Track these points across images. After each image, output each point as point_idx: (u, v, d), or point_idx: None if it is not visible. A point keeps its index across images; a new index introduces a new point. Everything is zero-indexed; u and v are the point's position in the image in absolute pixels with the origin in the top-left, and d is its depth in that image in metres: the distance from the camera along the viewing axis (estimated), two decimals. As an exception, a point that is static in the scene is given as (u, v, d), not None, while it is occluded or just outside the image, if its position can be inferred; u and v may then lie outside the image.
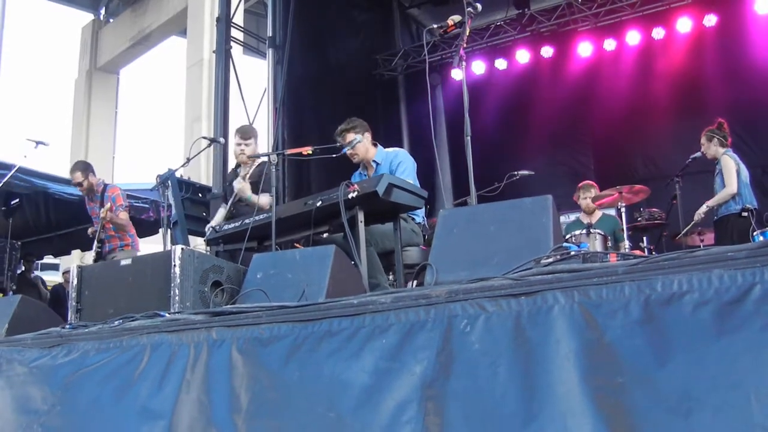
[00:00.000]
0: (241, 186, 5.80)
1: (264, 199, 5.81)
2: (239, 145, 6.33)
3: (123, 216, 7.43)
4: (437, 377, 2.23)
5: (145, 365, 3.12)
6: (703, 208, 7.09)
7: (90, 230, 7.71)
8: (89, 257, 7.77)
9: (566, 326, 2.09)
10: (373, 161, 5.53)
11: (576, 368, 2.00)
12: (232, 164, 6.93)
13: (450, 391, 2.19)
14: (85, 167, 7.63)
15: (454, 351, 2.25)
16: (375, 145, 5.61)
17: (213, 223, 6.28)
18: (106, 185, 7.64)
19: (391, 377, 2.32)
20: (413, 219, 5.38)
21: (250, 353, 2.77)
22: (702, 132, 7.35)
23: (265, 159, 5.76)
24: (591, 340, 2.03)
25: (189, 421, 2.78)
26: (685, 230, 7.42)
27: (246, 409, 2.64)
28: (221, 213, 6.39)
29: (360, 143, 5.42)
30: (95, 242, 7.44)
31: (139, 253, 7.58)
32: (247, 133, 6.51)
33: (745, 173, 6.97)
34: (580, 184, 8.05)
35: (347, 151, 5.39)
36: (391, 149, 5.63)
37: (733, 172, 6.87)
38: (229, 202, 5.97)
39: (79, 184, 7.55)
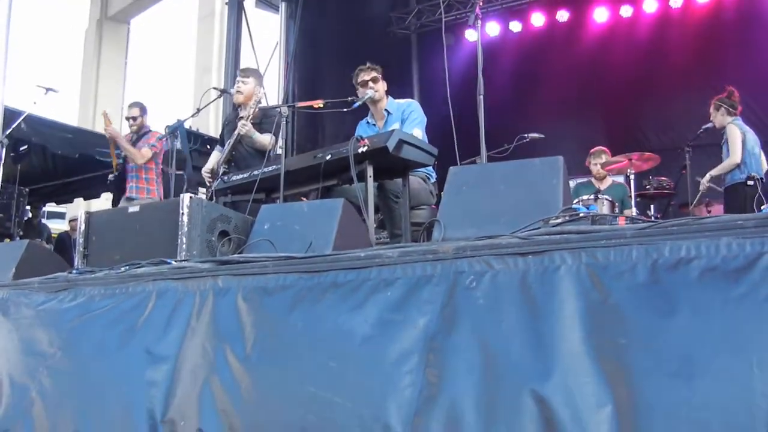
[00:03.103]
0: (247, 128, 5.73)
1: (266, 138, 5.79)
2: (237, 83, 6.27)
3: (144, 152, 7.43)
4: (440, 330, 2.24)
5: (150, 311, 3.14)
6: (707, 177, 7.08)
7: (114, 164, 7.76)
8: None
9: (572, 286, 2.09)
10: (385, 110, 5.55)
11: (580, 328, 2.01)
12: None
13: (452, 344, 2.20)
14: (142, 107, 7.85)
15: (459, 306, 2.25)
16: (387, 93, 5.64)
17: (208, 165, 6.29)
18: (149, 130, 7.72)
19: (394, 329, 2.33)
20: (429, 179, 5.40)
21: (255, 302, 2.79)
22: (712, 101, 7.32)
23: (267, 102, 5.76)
24: (596, 300, 2.04)
25: (192, 367, 2.80)
26: (695, 201, 7.41)
27: (249, 356, 2.66)
28: (215, 155, 6.38)
29: (379, 81, 5.57)
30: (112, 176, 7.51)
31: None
32: (246, 71, 6.46)
33: (752, 142, 6.92)
34: (592, 150, 8.02)
35: (369, 85, 5.48)
36: (403, 100, 5.64)
37: (737, 142, 6.84)
38: (229, 144, 5.91)
39: (133, 119, 7.73)
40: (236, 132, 5.76)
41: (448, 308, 2.27)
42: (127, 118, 7.78)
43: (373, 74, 5.50)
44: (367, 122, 5.70)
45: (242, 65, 9.91)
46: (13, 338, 3.64)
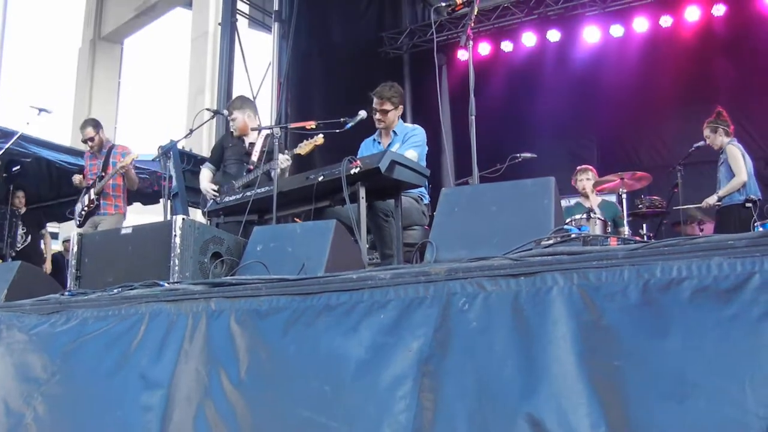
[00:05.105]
0: (289, 163, 5.71)
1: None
2: (229, 121, 6.46)
3: (133, 174, 7.53)
4: (434, 354, 2.24)
5: (143, 334, 3.13)
6: (714, 199, 7.07)
7: (77, 177, 7.76)
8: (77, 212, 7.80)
9: (564, 308, 2.09)
10: (393, 131, 5.60)
11: (573, 350, 2.01)
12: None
13: (446, 368, 2.19)
14: (95, 123, 7.87)
15: (452, 328, 2.25)
16: (400, 116, 5.69)
17: (205, 181, 6.30)
18: (114, 144, 7.74)
19: (388, 352, 2.33)
20: (422, 200, 5.41)
21: (248, 325, 2.78)
22: (703, 124, 7.34)
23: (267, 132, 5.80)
24: (589, 322, 2.04)
25: (187, 391, 2.79)
26: (687, 206, 7.41)
27: (243, 381, 2.65)
28: (207, 174, 6.44)
29: (390, 113, 5.56)
30: (87, 197, 7.50)
31: (125, 222, 7.66)
32: (228, 108, 6.62)
33: (749, 163, 6.97)
34: (578, 168, 8.05)
35: (375, 116, 5.53)
36: (411, 125, 5.68)
37: (740, 161, 6.87)
38: (259, 172, 5.88)
39: (91, 140, 7.72)
40: (279, 168, 5.67)
41: (441, 331, 2.27)
42: (84, 140, 7.78)
43: (385, 106, 5.51)
44: (374, 140, 5.75)
45: (235, 86, 9.97)
46: (6, 363, 3.61)
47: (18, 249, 9.83)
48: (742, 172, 6.84)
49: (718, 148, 7.22)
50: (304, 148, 5.52)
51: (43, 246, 10.65)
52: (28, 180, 10.59)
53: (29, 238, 10.03)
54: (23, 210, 9.98)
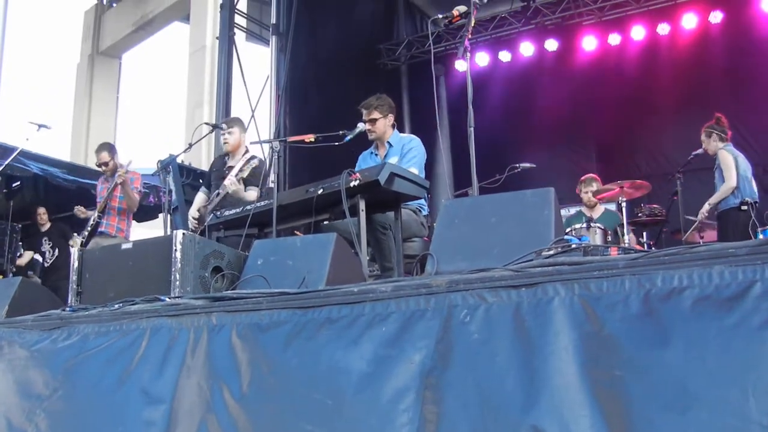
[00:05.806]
0: (235, 188, 5.83)
1: (252, 194, 5.92)
2: (222, 134, 6.51)
3: (136, 195, 7.50)
4: (436, 366, 2.24)
5: (144, 349, 3.12)
6: (705, 207, 7.10)
7: (78, 209, 7.76)
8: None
9: (566, 318, 2.09)
10: (387, 142, 5.57)
11: (575, 360, 2.01)
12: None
13: (448, 380, 2.19)
14: (111, 148, 7.84)
15: (453, 340, 2.25)
16: (393, 126, 5.65)
17: (193, 208, 6.38)
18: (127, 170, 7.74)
19: (390, 365, 2.33)
20: (420, 211, 5.40)
21: (249, 339, 2.78)
22: (702, 129, 7.37)
23: (253, 154, 5.88)
24: (590, 332, 2.04)
25: (189, 406, 2.79)
26: (690, 230, 7.43)
27: (245, 395, 2.65)
28: (200, 198, 6.48)
29: (379, 121, 5.53)
30: (92, 218, 7.49)
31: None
32: (229, 122, 6.65)
33: (744, 166, 6.97)
34: (583, 178, 8.03)
35: (366, 127, 5.48)
36: (406, 135, 5.66)
37: (731, 166, 6.88)
38: (218, 196, 5.99)
39: (105, 164, 7.68)
40: (224, 191, 5.83)
41: (442, 343, 2.26)
42: (99, 165, 7.74)
43: (373, 115, 5.49)
44: (371, 152, 5.74)
45: (233, 100, 9.97)
46: (8, 379, 3.61)
47: (47, 265, 9.87)
48: (732, 177, 6.85)
49: (712, 153, 7.24)
50: (245, 171, 5.82)
51: None
52: (30, 193, 10.61)
53: (57, 251, 10.02)
54: (47, 226, 9.99)
